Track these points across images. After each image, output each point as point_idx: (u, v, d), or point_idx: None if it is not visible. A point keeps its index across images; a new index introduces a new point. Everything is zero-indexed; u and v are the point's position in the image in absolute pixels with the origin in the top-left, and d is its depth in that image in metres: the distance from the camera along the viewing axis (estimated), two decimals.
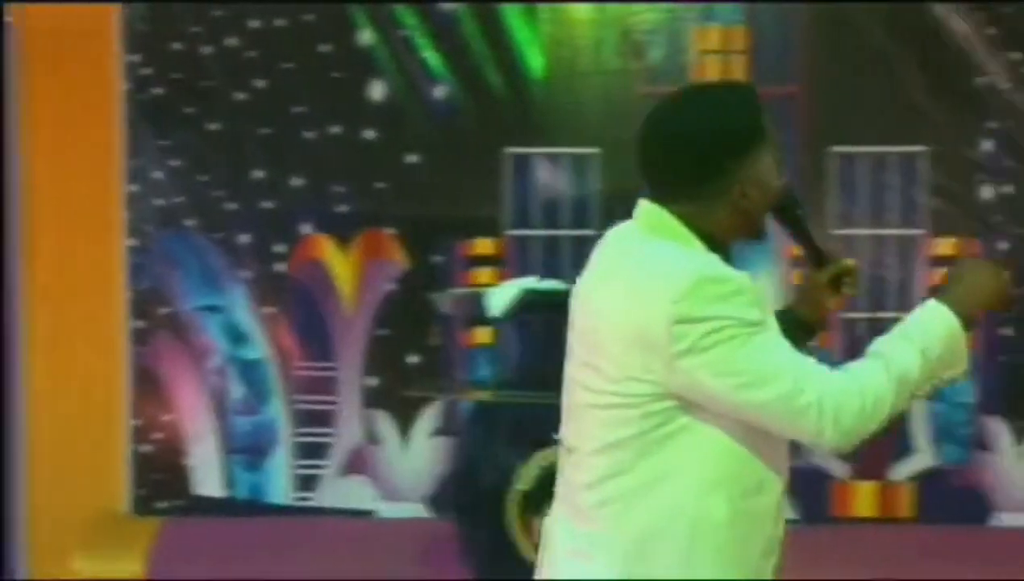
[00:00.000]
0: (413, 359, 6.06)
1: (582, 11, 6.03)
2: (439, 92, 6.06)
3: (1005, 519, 5.92)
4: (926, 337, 2.54)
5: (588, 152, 6.01)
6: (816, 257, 2.82)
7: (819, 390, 2.47)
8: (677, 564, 2.52)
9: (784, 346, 2.51)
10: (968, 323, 2.56)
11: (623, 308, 2.53)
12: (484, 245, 6.03)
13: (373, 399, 6.09)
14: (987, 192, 5.93)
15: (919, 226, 5.95)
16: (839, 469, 5.95)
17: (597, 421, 2.57)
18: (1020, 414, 5.91)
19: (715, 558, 2.53)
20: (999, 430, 5.92)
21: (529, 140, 6.04)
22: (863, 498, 5.95)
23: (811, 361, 2.51)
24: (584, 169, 6.01)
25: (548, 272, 5.63)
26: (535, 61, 6.04)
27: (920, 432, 5.92)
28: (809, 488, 5.92)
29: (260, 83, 6.10)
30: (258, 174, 6.11)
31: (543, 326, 4.82)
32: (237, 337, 6.12)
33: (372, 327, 6.10)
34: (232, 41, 6.09)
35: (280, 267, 6.12)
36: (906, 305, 5.90)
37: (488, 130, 6.02)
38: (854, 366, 2.54)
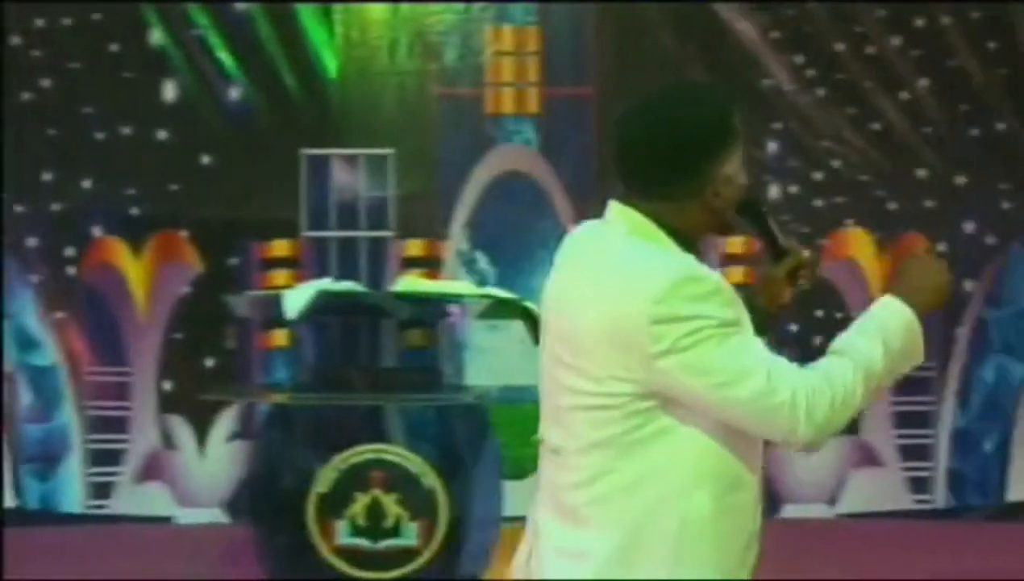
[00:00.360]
0: (209, 363, 5.99)
1: (377, 12, 6.03)
2: (233, 93, 6.00)
3: (792, 511, 6.06)
4: (886, 331, 2.61)
5: (383, 153, 6.01)
6: (775, 251, 2.85)
7: (792, 388, 2.52)
8: (667, 559, 2.56)
9: (758, 345, 2.56)
10: (921, 316, 2.62)
11: (603, 308, 2.55)
12: (280, 247, 5.99)
13: (169, 404, 6.00)
14: (774, 191, 6.07)
15: None
16: None
17: (582, 421, 2.59)
18: None
19: (704, 553, 2.58)
20: None
21: (325, 141, 6.02)
22: None
23: (783, 360, 2.55)
24: (380, 170, 6.01)
25: (344, 273, 5.61)
26: (330, 62, 6.01)
27: None
28: None
29: (46, 83, 5.97)
30: (46, 176, 5.98)
31: (340, 328, 4.80)
32: (26, 343, 5.98)
33: (167, 331, 6.01)
34: (16, 40, 5.95)
35: (70, 271, 6.00)
36: None
37: (284, 131, 5.98)
38: (822, 363, 2.58)
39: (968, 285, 6.08)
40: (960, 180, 6.09)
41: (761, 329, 2.79)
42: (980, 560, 5.77)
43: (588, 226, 2.70)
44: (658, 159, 2.60)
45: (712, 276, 2.54)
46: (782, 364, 2.54)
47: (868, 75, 6.02)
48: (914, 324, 2.65)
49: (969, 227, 6.09)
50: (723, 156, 2.62)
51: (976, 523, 6.08)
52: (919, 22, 6.02)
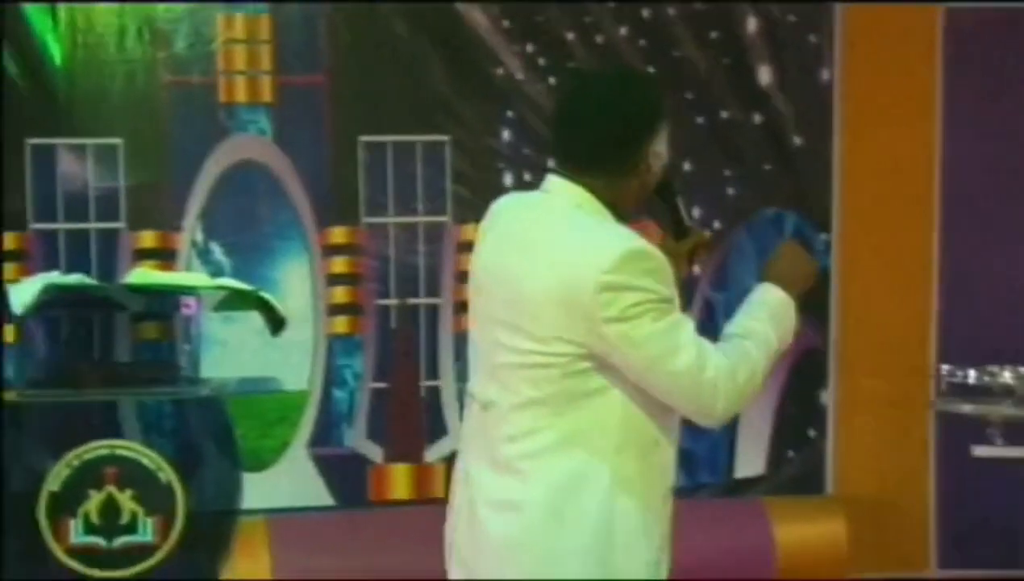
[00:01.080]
0: None
1: None
2: None
3: None
4: (773, 315, 2.84)
5: (112, 142, 5.88)
6: (679, 229, 3.04)
7: (716, 368, 2.71)
8: (600, 512, 2.72)
9: (689, 323, 2.74)
10: (793, 299, 2.87)
11: (555, 274, 2.70)
12: (7, 240, 5.82)
13: None
14: (508, 179, 6.15)
15: (445, 213, 6.11)
16: (375, 453, 6.05)
17: (521, 379, 2.73)
18: None
19: (632, 506, 2.75)
20: None
21: (51, 131, 5.86)
22: (399, 481, 6.08)
23: (706, 340, 2.74)
24: (108, 160, 5.88)
25: (74, 266, 5.48)
26: (55, 50, 5.85)
27: (451, 413, 6.09)
28: (347, 473, 6.00)
29: None
30: None
31: (70, 322, 4.69)
32: None
33: None
34: None
35: None
36: (435, 291, 6.06)
37: (8, 121, 5.80)
38: (731, 346, 2.78)
39: (696, 269, 6.25)
40: (687, 167, 6.25)
41: None
42: (714, 534, 5.95)
43: (525, 197, 2.89)
44: (606, 137, 2.81)
45: (657, 252, 2.74)
46: (707, 344, 2.75)
47: (598, 64, 6.14)
48: (791, 307, 2.90)
49: (696, 213, 6.25)
50: (657, 133, 2.85)
51: (707, 500, 6.26)
52: (645, 12, 6.15)
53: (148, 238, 5.87)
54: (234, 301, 4.76)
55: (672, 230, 3.11)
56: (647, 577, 2.81)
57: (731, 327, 2.86)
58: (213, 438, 4.77)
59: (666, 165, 2.93)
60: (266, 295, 4.76)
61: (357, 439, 6.03)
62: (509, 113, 6.14)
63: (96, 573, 4.51)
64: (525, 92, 6.12)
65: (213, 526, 4.68)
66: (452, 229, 6.11)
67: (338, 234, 6.03)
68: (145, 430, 4.59)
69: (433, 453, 6.10)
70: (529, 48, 6.12)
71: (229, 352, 5.73)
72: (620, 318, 2.66)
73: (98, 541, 4.49)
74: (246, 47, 5.97)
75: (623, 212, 2.84)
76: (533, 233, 2.80)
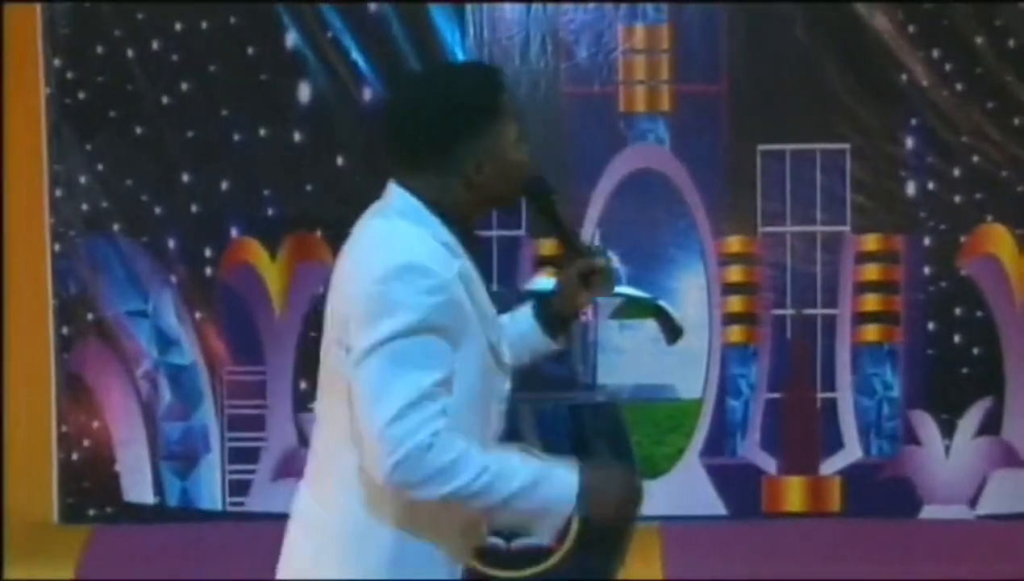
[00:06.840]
0: None
1: (509, 11, 6.01)
2: (368, 93, 6.02)
3: (932, 512, 5.97)
4: (543, 494, 2.60)
5: None
6: (571, 249, 2.79)
7: (408, 430, 2.51)
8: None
9: (430, 368, 2.52)
10: (587, 511, 2.63)
11: (348, 284, 2.61)
12: None
13: (304, 402, 6.06)
14: (911, 188, 5.99)
15: (844, 223, 6.00)
16: (768, 464, 5.99)
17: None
18: (946, 408, 5.97)
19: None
20: (926, 423, 5.98)
21: None
22: (793, 493, 6.00)
23: (435, 407, 2.52)
24: None
25: None
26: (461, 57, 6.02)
27: (848, 426, 5.98)
28: (740, 484, 5.96)
29: (185, 86, 6.06)
30: (186, 177, 6.07)
31: None
32: (165, 342, 6.07)
33: (303, 330, 6.07)
34: (157, 44, 6.05)
35: (209, 271, 6.08)
36: (832, 301, 5.96)
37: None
38: (501, 462, 2.58)
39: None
40: None
41: (560, 329, 2.78)
42: None
43: (372, 206, 2.74)
44: (412, 130, 2.60)
45: (443, 274, 2.51)
46: (428, 409, 2.51)
47: (1008, 69, 5.91)
48: (565, 513, 2.59)
49: None
50: (483, 131, 2.58)
51: None
52: None
53: (550, 246, 5.97)
54: (631, 309, 4.79)
55: (566, 250, 2.77)
56: None
57: (518, 459, 2.59)
58: (609, 444, 4.81)
59: (529, 171, 2.69)
60: (664, 304, 4.76)
61: (750, 449, 5.99)
62: (913, 121, 5.98)
63: (495, 572, 4.61)
64: (930, 99, 5.95)
65: (609, 531, 4.71)
66: (851, 239, 5.99)
67: (734, 243, 6.00)
68: (542, 434, 4.67)
69: (828, 466, 5.99)
70: (935, 53, 5.94)
71: (625, 359, 5.78)
72: (366, 339, 2.55)
73: (498, 542, 4.60)
74: (645, 57, 6.01)
75: (458, 219, 2.59)
76: (352, 244, 2.64)
